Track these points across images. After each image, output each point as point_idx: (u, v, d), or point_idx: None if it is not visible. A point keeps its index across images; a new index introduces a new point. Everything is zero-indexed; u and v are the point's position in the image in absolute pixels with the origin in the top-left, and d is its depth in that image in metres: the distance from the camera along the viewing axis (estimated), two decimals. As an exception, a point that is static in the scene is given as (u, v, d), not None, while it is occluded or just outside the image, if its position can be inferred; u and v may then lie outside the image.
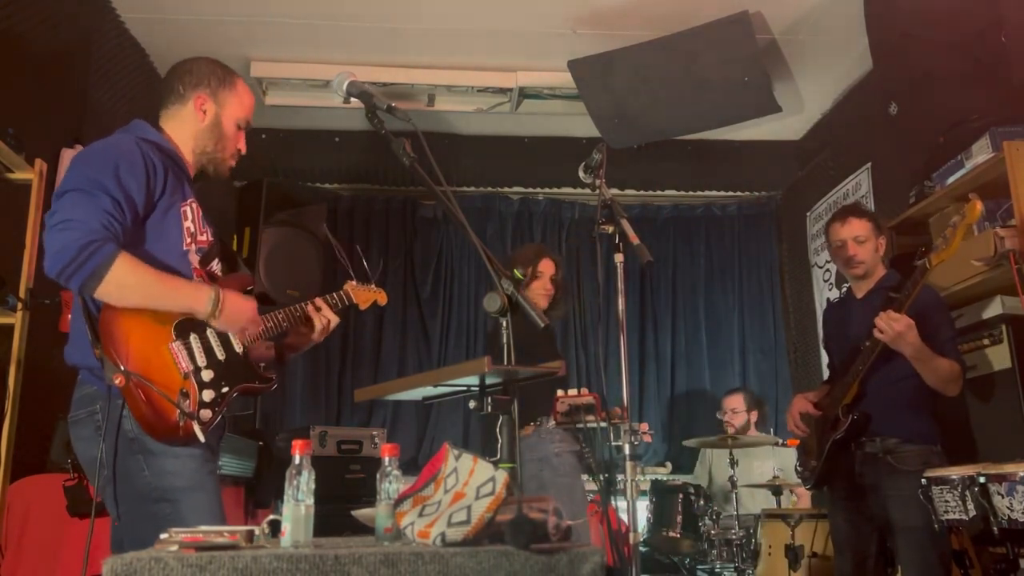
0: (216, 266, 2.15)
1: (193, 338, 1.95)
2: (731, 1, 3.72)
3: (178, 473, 1.89)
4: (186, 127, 2.12)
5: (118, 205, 1.86)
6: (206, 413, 1.92)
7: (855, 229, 2.95)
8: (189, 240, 2.04)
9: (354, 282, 2.45)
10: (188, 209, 2.05)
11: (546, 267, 3.46)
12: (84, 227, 1.79)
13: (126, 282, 1.83)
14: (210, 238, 2.11)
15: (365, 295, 2.46)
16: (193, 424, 1.87)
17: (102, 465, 1.87)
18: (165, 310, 1.91)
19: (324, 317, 2.25)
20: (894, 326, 2.64)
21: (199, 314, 1.95)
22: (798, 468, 3.13)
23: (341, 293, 2.38)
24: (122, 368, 1.82)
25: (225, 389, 1.98)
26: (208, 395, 1.93)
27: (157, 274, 1.89)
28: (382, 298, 2.51)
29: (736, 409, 4.60)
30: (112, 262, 1.80)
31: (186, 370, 1.92)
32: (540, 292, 3.43)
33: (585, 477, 3.30)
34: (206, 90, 2.13)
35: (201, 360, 1.95)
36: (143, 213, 1.94)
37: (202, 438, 1.89)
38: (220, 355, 1.99)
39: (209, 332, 1.98)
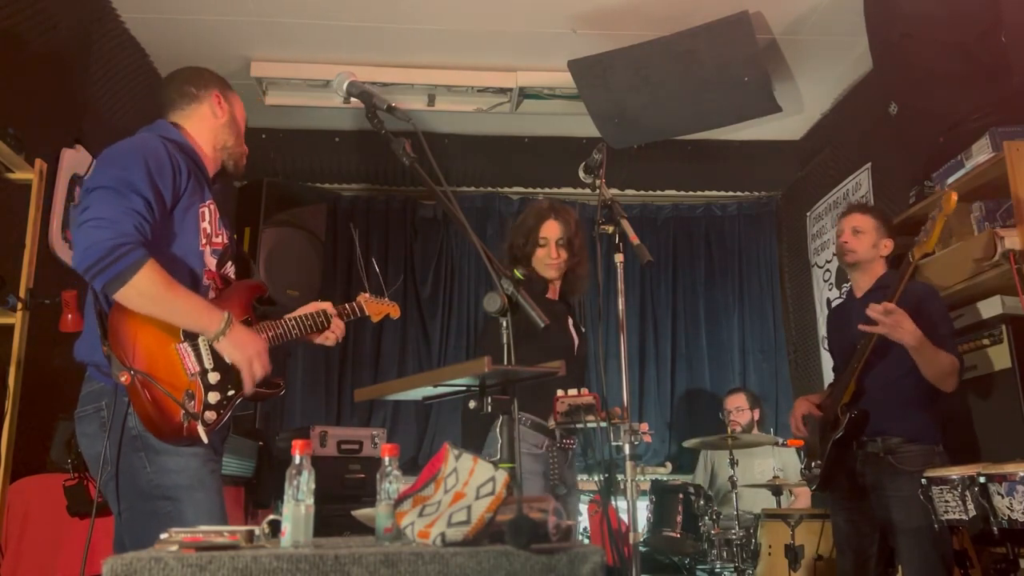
0: (230, 268, 2.17)
1: (201, 340, 1.95)
2: (731, 1, 3.72)
3: (180, 471, 1.90)
4: (205, 125, 2.16)
5: (148, 206, 1.88)
6: (211, 415, 1.92)
7: (854, 220, 3.02)
8: (204, 241, 2.05)
9: (367, 294, 2.46)
10: (206, 210, 2.07)
11: (550, 230, 2.87)
12: (116, 228, 1.81)
13: (147, 291, 1.84)
14: (225, 240, 2.13)
15: (378, 308, 2.47)
16: (197, 425, 1.88)
17: (106, 461, 1.88)
18: (174, 324, 1.92)
19: (338, 331, 2.29)
20: (886, 318, 2.65)
21: (206, 336, 1.95)
22: (803, 470, 3.13)
23: (355, 305, 2.39)
24: (128, 366, 1.83)
25: (231, 392, 1.98)
26: (214, 397, 1.94)
27: (177, 288, 1.90)
28: (395, 312, 2.53)
29: (740, 407, 4.61)
30: (139, 268, 1.81)
31: (193, 371, 1.93)
32: (546, 262, 2.87)
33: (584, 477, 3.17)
34: (217, 89, 2.19)
35: (208, 362, 1.95)
36: (168, 212, 1.97)
37: (205, 439, 1.89)
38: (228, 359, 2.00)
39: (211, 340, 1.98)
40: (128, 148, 1.97)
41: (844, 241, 3.01)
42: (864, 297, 2.99)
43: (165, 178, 1.94)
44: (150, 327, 1.89)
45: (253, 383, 1.99)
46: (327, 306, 2.29)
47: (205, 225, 2.06)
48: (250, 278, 2.26)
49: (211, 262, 2.07)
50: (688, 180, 5.58)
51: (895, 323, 2.64)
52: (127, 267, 1.80)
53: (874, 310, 2.66)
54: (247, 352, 1.96)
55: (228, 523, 1.91)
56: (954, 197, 2.65)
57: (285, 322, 2.17)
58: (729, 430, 4.09)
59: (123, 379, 1.82)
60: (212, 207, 2.10)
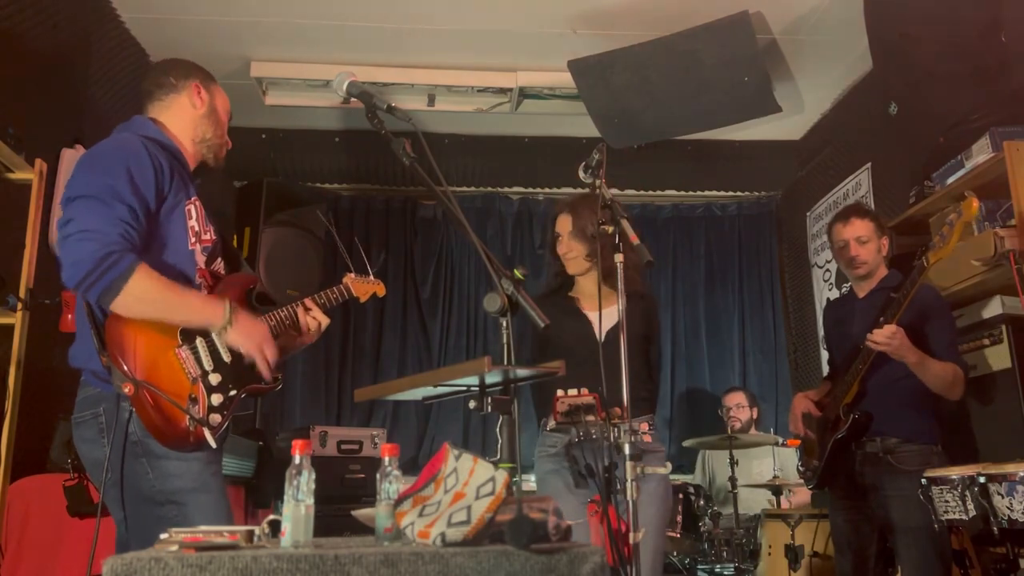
0: (219, 264, 2.15)
1: (199, 342, 1.95)
2: (731, 1, 3.72)
3: (183, 475, 1.89)
4: (184, 116, 2.13)
5: (134, 212, 1.86)
6: (215, 417, 1.92)
7: (858, 229, 2.94)
8: (194, 240, 2.04)
9: (353, 275, 2.44)
10: (192, 208, 2.05)
11: (561, 225, 2.81)
12: (103, 238, 1.79)
13: (143, 296, 1.83)
14: (213, 236, 2.11)
15: (364, 287, 2.46)
16: (204, 430, 1.87)
17: (106, 468, 1.87)
18: (178, 324, 1.91)
19: (313, 318, 2.23)
20: (892, 342, 2.64)
21: (212, 329, 1.94)
22: (800, 468, 3.13)
23: (341, 287, 2.38)
24: (130, 376, 1.81)
25: (233, 392, 1.98)
26: (217, 399, 1.93)
27: (173, 288, 1.89)
28: (380, 290, 2.51)
29: (740, 404, 4.62)
30: (131, 275, 1.79)
31: (194, 375, 1.91)
32: (563, 257, 2.82)
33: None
34: (197, 80, 2.16)
35: (208, 364, 1.95)
36: (154, 214, 1.95)
37: (213, 444, 1.89)
38: (226, 358, 1.99)
39: (215, 335, 1.98)
40: (108, 152, 1.94)
41: (855, 255, 2.93)
42: (868, 298, 2.98)
43: (148, 181, 1.91)
44: (148, 334, 1.87)
45: (269, 368, 1.99)
46: (305, 302, 2.25)
47: (193, 223, 2.04)
48: (239, 272, 2.24)
49: (201, 260, 2.05)
50: (688, 180, 5.58)
51: (898, 347, 2.65)
52: (119, 276, 1.78)
53: (877, 338, 2.66)
54: (256, 339, 1.97)
55: (233, 524, 1.91)
56: (975, 203, 2.56)
57: (277, 314, 2.16)
58: (729, 428, 4.09)
59: (126, 390, 1.80)
60: (198, 203, 2.07)
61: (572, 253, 2.79)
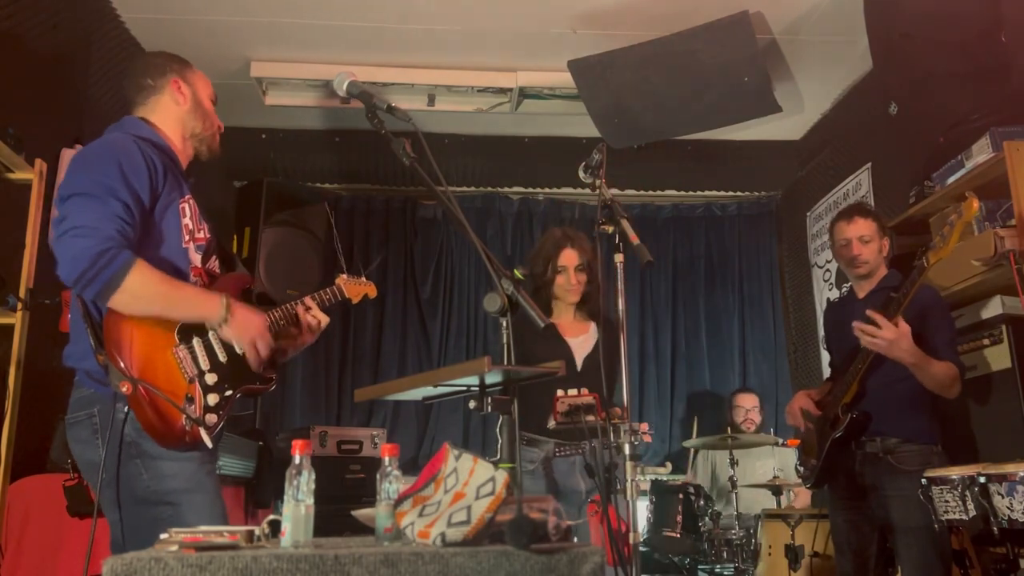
0: (214, 263, 2.14)
1: (196, 341, 1.95)
2: (731, 1, 3.72)
3: (177, 475, 1.89)
4: (170, 114, 2.12)
5: (128, 209, 1.86)
6: (211, 417, 1.92)
7: (861, 228, 2.94)
8: (188, 238, 2.03)
9: (345, 276, 2.45)
10: (186, 206, 2.05)
11: (568, 259, 2.95)
12: (99, 234, 1.79)
13: (141, 292, 1.82)
14: (207, 234, 2.11)
15: (356, 289, 2.46)
16: (200, 430, 1.87)
17: (100, 469, 1.86)
18: (176, 319, 1.91)
19: (314, 317, 2.23)
20: (884, 335, 2.64)
21: (209, 324, 1.94)
22: (798, 467, 3.13)
23: (334, 288, 2.38)
24: (128, 375, 1.81)
25: (228, 392, 1.98)
26: (213, 399, 1.93)
27: (171, 283, 1.89)
28: (372, 291, 2.51)
29: (755, 406, 4.63)
30: (128, 271, 1.79)
31: (191, 374, 1.91)
32: (567, 288, 2.95)
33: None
34: (175, 74, 2.14)
35: (204, 363, 1.94)
36: (148, 212, 1.94)
37: (209, 443, 1.89)
38: (222, 357, 1.99)
39: (211, 334, 1.98)
40: (100, 151, 1.94)
41: (857, 254, 2.92)
42: (867, 298, 2.97)
43: (141, 178, 1.91)
44: (145, 333, 1.86)
45: (259, 362, 2.01)
46: (305, 300, 2.24)
47: (187, 221, 2.03)
48: (234, 271, 2.24)
49: (196, 258, 2.05)
50: (688, 180, 5.59)
51: (892, 342, 2.64)
52: (116, 272, 1.77)
53: (871, 329, 2.65)
54: (250, 332, 1.97)
55: (229, 524, 1.91)
56: (975, 204, 2.55)
57: (272, 314, 2.15)
58: (743, 428, 4.09)
59: (124, 389, 1.80)
60: (191, 202, 2.07)
61: (579, 286, 2.95)
